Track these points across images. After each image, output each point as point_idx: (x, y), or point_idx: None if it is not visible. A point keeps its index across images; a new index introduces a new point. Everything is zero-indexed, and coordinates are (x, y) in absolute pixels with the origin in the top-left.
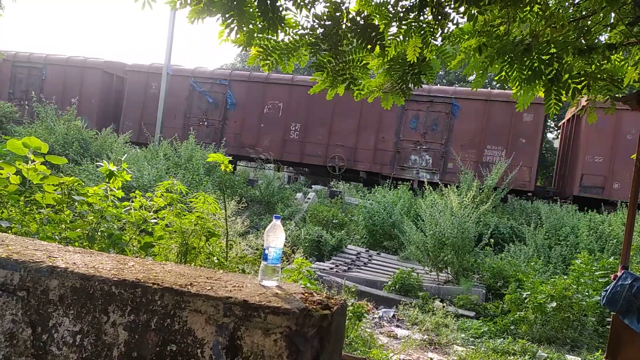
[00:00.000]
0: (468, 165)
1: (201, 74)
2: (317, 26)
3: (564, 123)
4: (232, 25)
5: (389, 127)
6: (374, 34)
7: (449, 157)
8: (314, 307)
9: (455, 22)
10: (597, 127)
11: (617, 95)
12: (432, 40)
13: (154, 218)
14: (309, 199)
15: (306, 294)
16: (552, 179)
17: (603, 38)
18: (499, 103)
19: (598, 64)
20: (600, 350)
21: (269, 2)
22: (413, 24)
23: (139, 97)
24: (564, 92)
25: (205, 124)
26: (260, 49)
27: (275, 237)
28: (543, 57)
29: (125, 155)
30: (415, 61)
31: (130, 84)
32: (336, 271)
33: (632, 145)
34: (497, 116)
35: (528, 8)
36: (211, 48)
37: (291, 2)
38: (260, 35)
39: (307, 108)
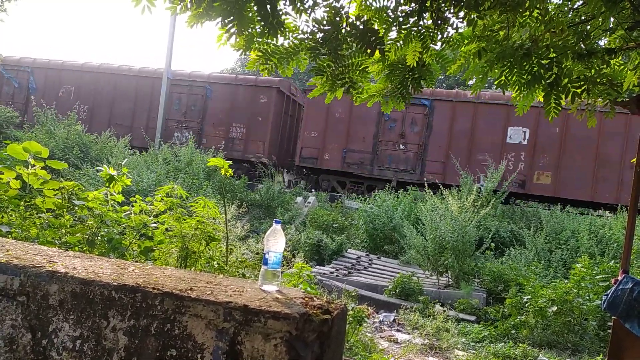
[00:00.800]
0: (218, 140)
1: (9, 62)
2: (316, 31)
3: None
4: (231, 30)
5: (158, 108)
6: (373, 38)
7: (203, 133)
8: (315, 311)
9: (454, 26)
10: (314, 107)
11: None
12: (432, 45)
13: (154, 222)
14: (309, 203)
15: (306, 299)
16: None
17: (602, 42)
18: (242, 87)
19: (597, 69)
20: (601, 355)
21: (269, 7)
22: (413, 28)
23: None
24: (563, 96)
25: (12, 106)
26: (260, 53)
27: (275, 241)
28: (542, 62)
29: (126, 159)
30: (415, 66)
31: None
32: (336, 275)
33: (339, 123)
34: (240, 98)
35: (527, 13)
36: (211, 52)
37: (291, 6)
38: (260, 39)
39: (94, 92)
